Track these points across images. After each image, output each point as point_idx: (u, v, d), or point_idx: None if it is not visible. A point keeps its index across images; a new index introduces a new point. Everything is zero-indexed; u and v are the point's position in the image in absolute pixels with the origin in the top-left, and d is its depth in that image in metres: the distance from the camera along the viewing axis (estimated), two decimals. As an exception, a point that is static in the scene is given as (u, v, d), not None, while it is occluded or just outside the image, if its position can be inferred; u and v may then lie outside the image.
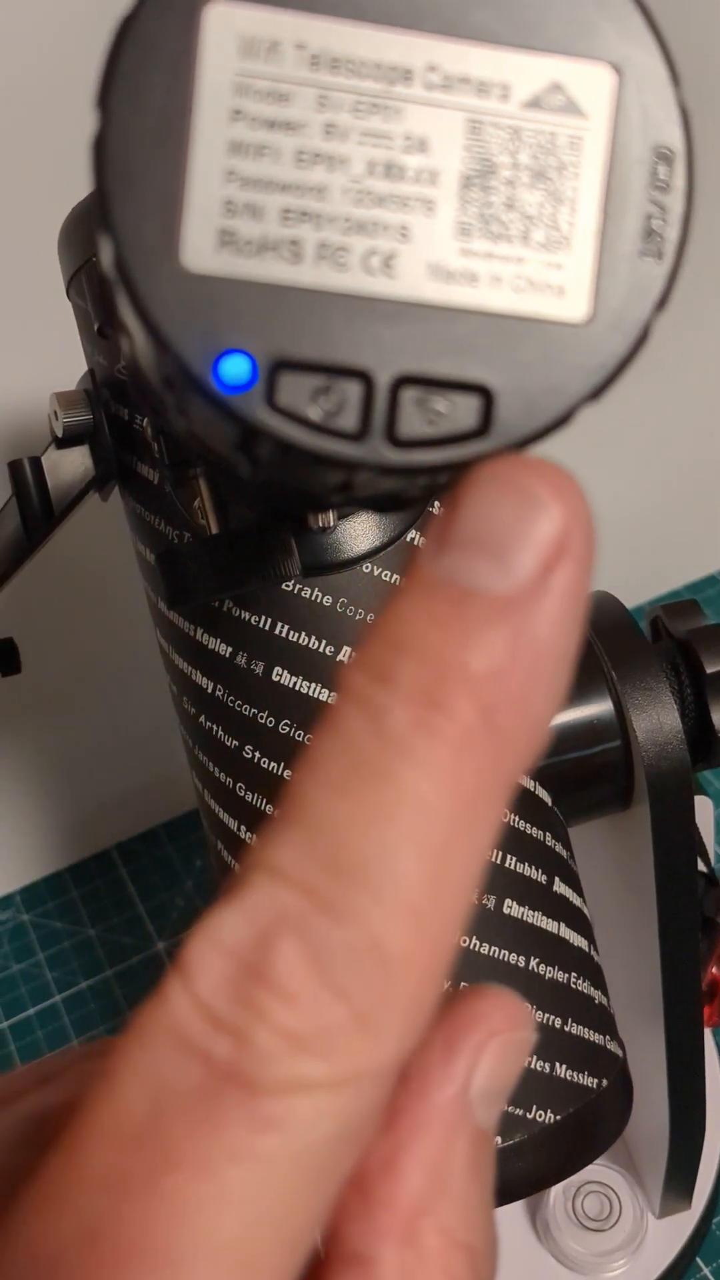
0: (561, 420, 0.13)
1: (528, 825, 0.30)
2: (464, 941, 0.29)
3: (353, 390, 0.13)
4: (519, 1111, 0.29)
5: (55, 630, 0.47)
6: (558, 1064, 0.30)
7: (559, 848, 0.31)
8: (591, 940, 0.32)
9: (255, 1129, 0.11)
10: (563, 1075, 0.30)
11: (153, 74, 0.12)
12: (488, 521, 0.12)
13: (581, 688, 0.32)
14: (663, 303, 0.13)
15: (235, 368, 0.13)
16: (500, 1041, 0.14)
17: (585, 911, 0.32)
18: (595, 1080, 0.30)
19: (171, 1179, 0.11)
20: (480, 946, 0.29)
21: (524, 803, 0.30)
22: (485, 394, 0.13)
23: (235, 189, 0.13)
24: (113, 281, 0.13)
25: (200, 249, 0.12)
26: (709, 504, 0.63)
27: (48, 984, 0.53)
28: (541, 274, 0.13)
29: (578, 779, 0.32)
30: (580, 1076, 0.30)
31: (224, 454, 0.15)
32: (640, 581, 0.64)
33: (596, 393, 0.13)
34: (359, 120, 0.13)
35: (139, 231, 0.12)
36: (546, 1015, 0.30)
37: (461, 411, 0.13)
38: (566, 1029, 0.30)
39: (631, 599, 0.63)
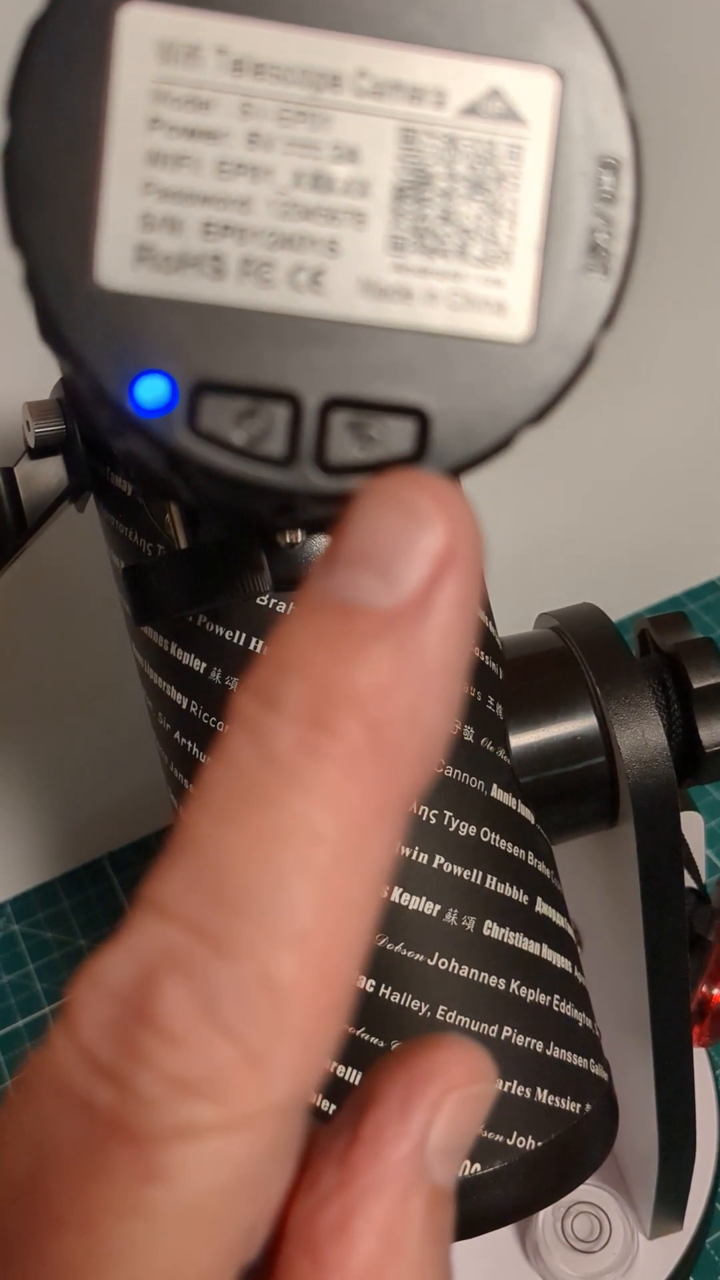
0: (501, 444, 0.13)
1: (509, 845, 0.29)
2: (443, 964, 0.28)
3: (280, 413, 0.12)
4: (499, 1138, 0.28)
5: (43, 640, 0.47)
6: (539, 1089, 0.29)
7: (541, 867, 0.30)
8: (576, 961, 0.31)
9: (141, 1181, 0.10)
10: (544, 1100, 0.29)
11: (65, 80, 0.12)
12: (372, 538, 0.12)
13: (565, 703, 0.31)
14: (609, 320, 0.13)
15: (154, 390, 0.12)
16: (459, 1096, 0.14)
17: (569, 932, 0.31)
18: (578, 1105, 0.30)
19: (54, 1241, 0.10)
20: (459, 969, 0.28)
21: (504, 821, 0.29)
22: (420, 417, 0.12)
23: (153, 201, 0.12)
24: (30, 297, 0.12)
25: (116, 265, 0.12)
26: (707, 509, 0.62)
27: (38, 995, 0.52)
28: (480, 290, 0.12)
29: (561, 796, 0.32)
30: (563, 1101, 0.29)
31: (160, 475, 0.14)
32: (638, 588, 0.63)
33: (538, 416, 0.13)
34: (284, 129, 0.12)
35: (51, 247, 0.12)
36: (528, 1039, 0.29)
37: (395, 435, 0.12)
38: (548, 1053, 0.29)
39: (628, 606, 0.62)
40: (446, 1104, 0.14)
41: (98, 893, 0.55)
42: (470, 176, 0.12)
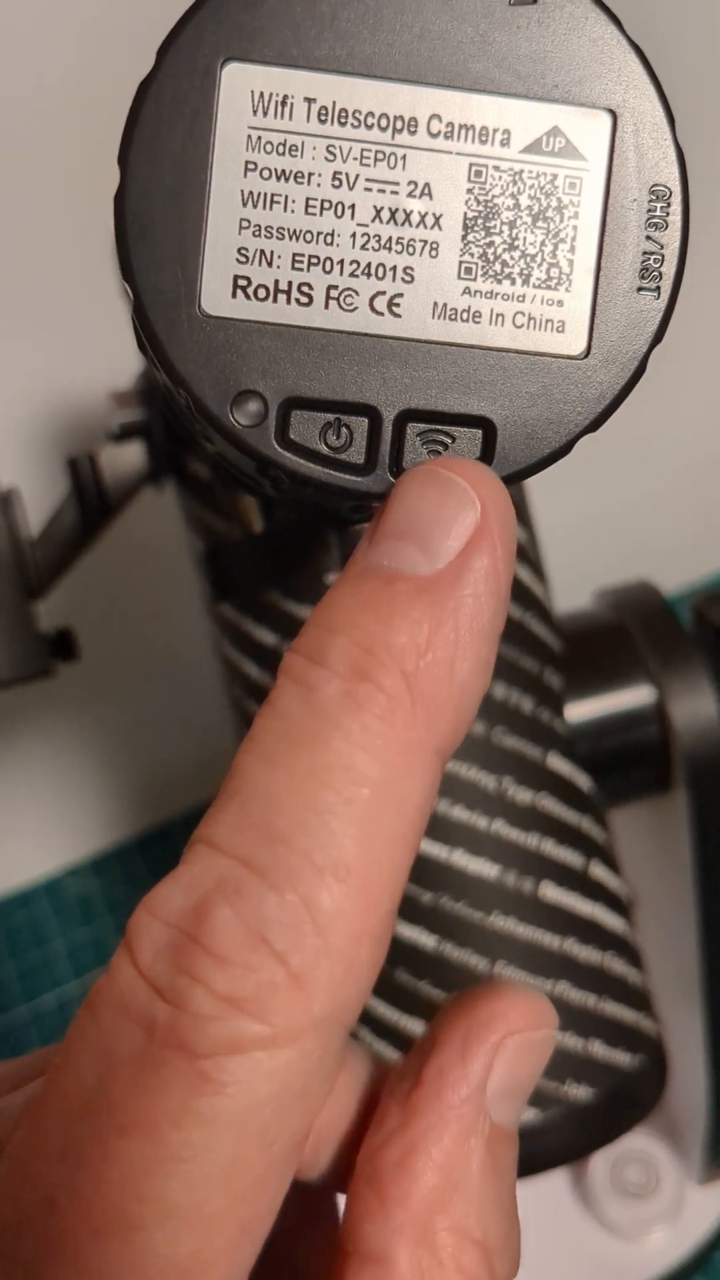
0: (561, 451, 0.14)
1: (565, 810, 0.31)
2: (502, 922, 0.30)
3: (360, 425, 0.14)
4: (553, 1085, 0.30)
5: (126, 608, 0.49)
6: (592, 1040, 0.31)
7: (596, 831, 0.32)
8: (629, 920, 0.33)
9: (195, 1091, 0.11)
10: (597, 1051, 0.31)
11: (171, 131, 0.13)
12: (413, 513, 0.13)
13: (621, 676, 0.33)
14: (659, 337, 0.14)
15: (249, 406, 0.13)
16: (518, 1040, 0.14)
17: (623, 893, 0.32)
18: (630, 1056, 0.31)
19: (119, 1144, 0.11)
20: (517, 927, 0.30)
21: (561, 788, 0.31)
22: (487, 426, 0.14)
23: (249, 237, 0.13)
24: (135, 326, 0.14)
25: (216, 295, 0.13)
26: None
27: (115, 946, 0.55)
28: (541, 310, 0.14)
29: (616, 764, 0.33)
30: (615, 1052, 0.31)
31: (249, 475, 0.15)
32: (693, 560, 0.63)
33: (595, 425, 0.14)
34: (366, 168, 0.13)
35: (158, 281, 0.13)
36: (582, 993, 0.31)
37: (464, 444, 0.14)
38: (601, 1006, 0.31)
39: (684, 576, 0.63)
40: (506, 1048, 0.14)
41: (172, 852, 0.58)
42: (533, 207, 0.14)
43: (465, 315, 0.14)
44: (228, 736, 0.37)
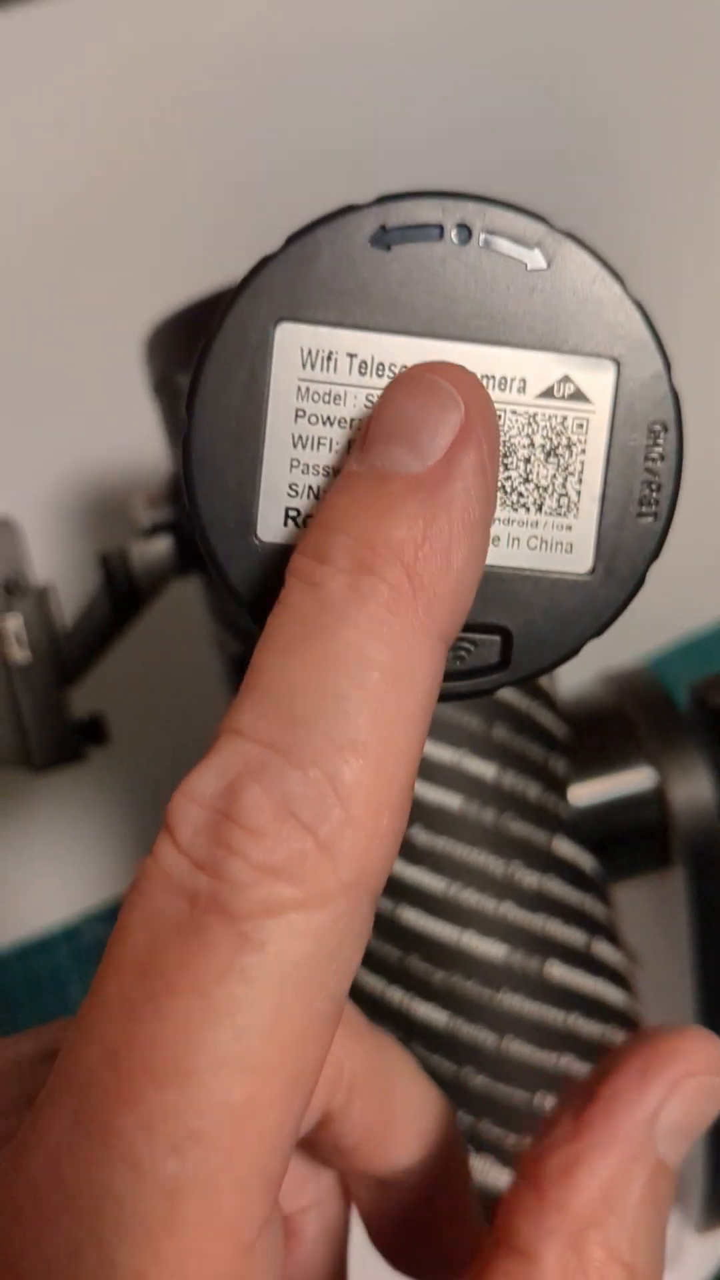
0: (570, 655, 0.16)
1: (569, 891, 0.33)
2: (509, 999, 0.32)
3: None
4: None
5: (142, 671, 0.50)
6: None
7: (599, 909, 0.34)
8: (630, 992, 0.34)
9: (237, 950, 0.12)
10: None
11: (231, 382, 0.15)
12: (401, 417, 0.14)
13: (622, 760, 0.35)
14: (657, 553, 0.16)
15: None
16: (697, 1082, 0.15)
17: (625, 968, 0.34)
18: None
19: (171, 1003, 0.12)
20: (524, 1004, 0.32)
21: (565, 870, 0.33)
22: (505, 634, 0.16)
23: (299, 474, 0.15)
24: (201, 550, 0.15)
25: (271, 525, 0.15)
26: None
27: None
28: (553, 534, 0.16)
29: (618, 844, 0.35)
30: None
31: None
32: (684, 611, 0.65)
33: (600, 631, 0.16)
34: None
35: (220, 514, 0.15)
36: (586, 1066, 0.32)
37: (485, 649, 0.16)
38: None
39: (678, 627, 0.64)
40: (684, 1087, 0.15)
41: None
42: (545, 445, 0.15)
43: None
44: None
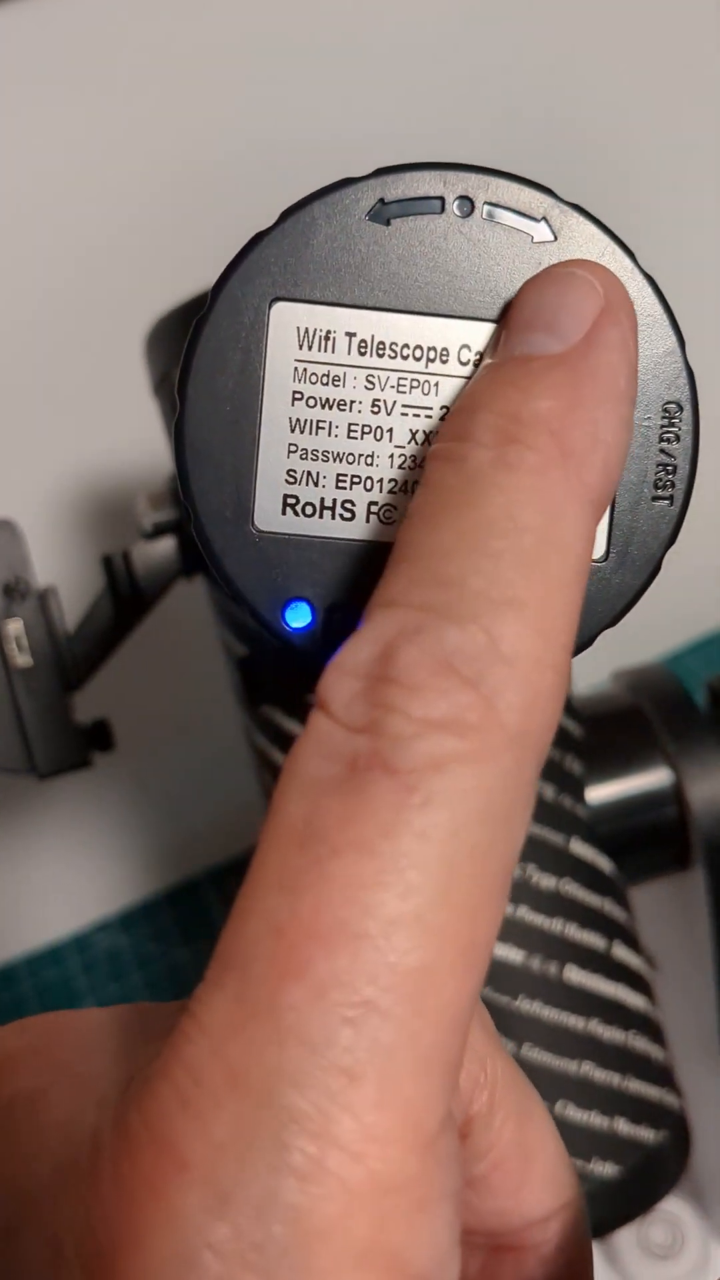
0: (584, 645, 0.15)
1: (587, 894, 0.32)
2: (528, 1005, 0.31)
3: None
4: (580, 1164, 0.31)
5: (149, 677, 0.50)
6: (617, 1118, 0.32)
7: (618, 912, 0.33)
8: (650, 997, 0.34)
9: (403, 806, 0.11)
10: (622, 1128, 0.31)
11: (225, 365, 0.14)
12: (539, 304, 0.14)
13: (640, 759, 0.34)
14: (673, 539, 0.15)
15: (298, 614, 0.15)
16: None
17: (644, 971, 0.33)
18: (654, 1132, 0.32)
19: (335, 864, 0.11)
20: (542, 1010, 0.31)
21: (583, 872, 0.32)
22: None
23: (297, 460, 0.15)
24: (196, 540, 0.15)
25: (268, 513, 0.15)
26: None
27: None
28: None
29: (637, 845, 0.34)
30: (639, 1129, 0.32)
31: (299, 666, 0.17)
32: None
33: (614, 621, 0.15)
34: (402, 395, 0.15)
35: (215, 503, 0.15)
36: (606, 1073, 0.32)
37: None
38: (625, 1084, 0.32)
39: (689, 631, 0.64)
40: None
41: (198, 907, 0.59)
42: (556, 426, 0.15)
43: None
44: (254, 796, 0.38)
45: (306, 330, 0.14)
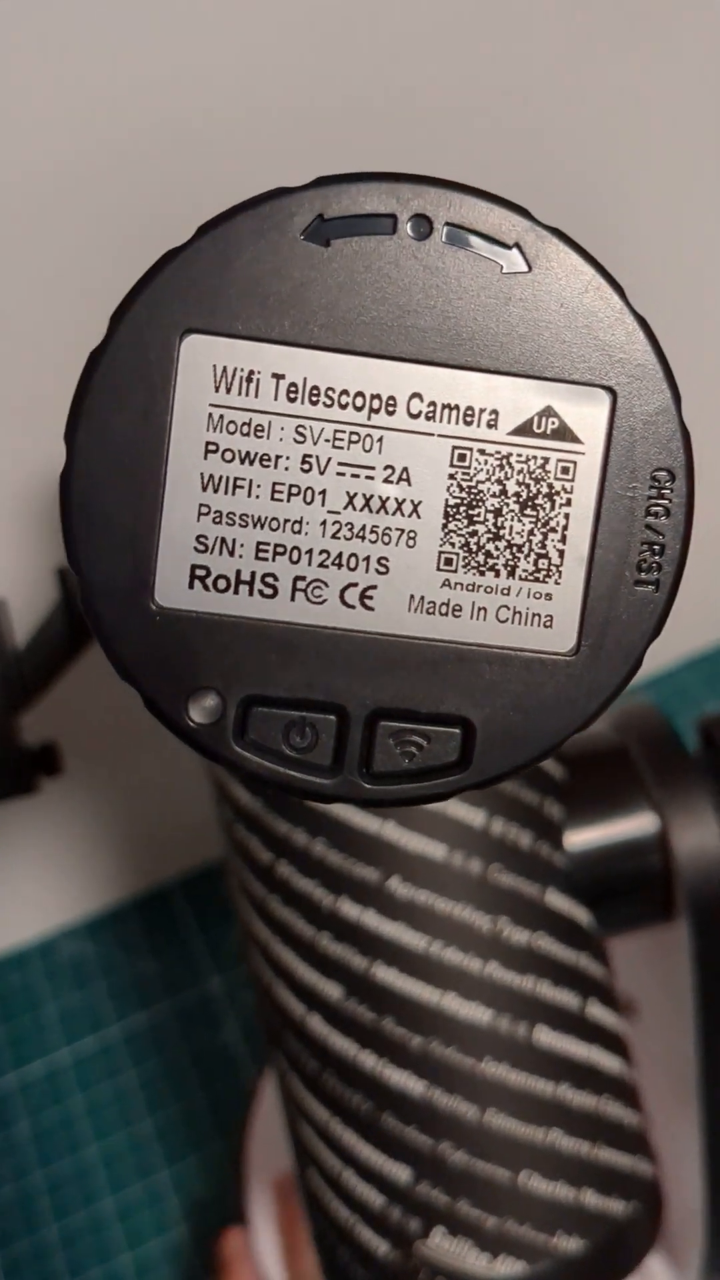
0: (546, 754, 0.13)
1: (562, 948, 0.30)
2: (493, 1068, 0.29)
3: (327, 725, 0.12)
4: (544, 1238, 0.29)
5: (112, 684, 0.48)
6: (584, 1189, 0.29)
7: (594, 968, 0.31)
8: (626, 1057, 0.31)
9: None
10: (590, 1200, 0.29)
11: (124, 408, 0.12)
12: None
13: (623, 803, 0.31)
14: (657, 631, 0.13)
15: (206, 703, 0.12)
16: None
17: (620, 1031, 0.31)
18: (623, 1204, 0.30)
19: None
20: (509, 1074, 0.29)
21: (558, 926, 0.30)
22: (467, 727, 0.13)
23: (209, 524, 0.12)
24: (86, 617, 0.12)
25: (172, 587, 0.12)
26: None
27: (108, 1013, 0.54)
28: (528, 605, 0.12)
29: (617, 894, 0.32)
30: (608, 1201, 0.30)
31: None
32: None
33: (584, 726, 0.13)
34: (339, 451, 0.12)
35: (106, 572, 0.12)
36: (575, 1140, 0.29)
37: (440, 745, 0.13)
38: (595, 1152, 0.30)
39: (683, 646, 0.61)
40: None
41: (167, 915, 0.57)
42: (521, 494, 0.12)
43: (445, 609, 0.12)
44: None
45: (225, 369, 0.12)
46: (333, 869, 0.29)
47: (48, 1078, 0.53)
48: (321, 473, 0.12)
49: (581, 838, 0.31)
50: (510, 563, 0.12)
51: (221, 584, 0.12)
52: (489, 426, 0.12)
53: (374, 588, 0.12)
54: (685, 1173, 0.38)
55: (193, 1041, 0.53)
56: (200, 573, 0.12)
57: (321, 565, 0.12)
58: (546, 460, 0.12)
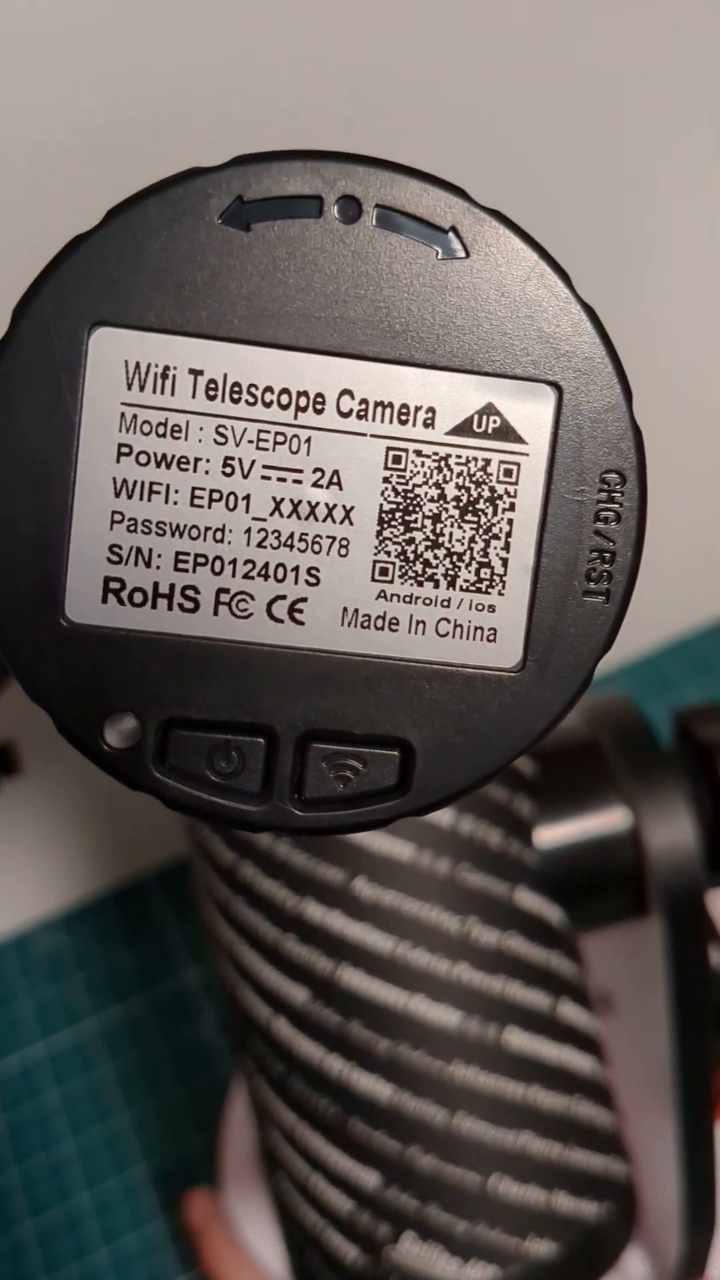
0: (490, 777, 0.12)
1: (532, 948, 0.29)
2: (462, 1071, 0.28)
3: (254, 748, 0.12)
4: (515, 1242, 0.28)
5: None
6: (556, 1191, 0.29)
7: (565, 966, 0.30)
8: (598, 1056, 0.31)
9: None
10: (562, 1203, 0.29)
11: (28, 408, 0.11)
12: None
13: (595, 799, 0.31)
14: (608, 645, 0.12)
15: (122, 727, 0.11)
16: None
17: (592, 1030, 0.31)
18: (596, 1205, 0.29)
19: None
20: (478, 1076, 0.28)
21: (528, 925, 0.29)
22: (405, 749, 0.12)
23: (123, 533, 0.11)
24: None
25: (83, 601, 0.11)
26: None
27: (83, 1006, 0.53)
28: (470, 617, 0.12)
29: (589, 891, 0.31)
30: (581, 1204, 0.29)
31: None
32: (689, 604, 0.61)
33: (529, 746, 0.12)
34: (263, 453, 0.11)
35: (11, 586, 0.11)
36: (546, 1142, 0.29)
37: (377, 768, 0.12)
38: (567, 1154, 0.29)
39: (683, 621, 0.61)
40: None
41: (143, 908, 0.56)
42: (461, 498, 0.11)
43: (380, 622, 0.12)
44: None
45: (138, 365, 0.11)
46: (297, 870, 0.28)
47: (22, 1073, 0.52)
48: (245, 476, 0.11)
49: (552, 834, 0.31)
50: (450, 572, 0.12)
51: (138, 597, 0.11)
52: (425, 426, 0.11)
53: (304, 600, 0.11)
54: (661, 1168, 0.38)
55: (170, 1035, 0.52)
56: (114, 585, 0.11)
57: (246, 576, 0.11)
58: (488, 462, 0.11)
